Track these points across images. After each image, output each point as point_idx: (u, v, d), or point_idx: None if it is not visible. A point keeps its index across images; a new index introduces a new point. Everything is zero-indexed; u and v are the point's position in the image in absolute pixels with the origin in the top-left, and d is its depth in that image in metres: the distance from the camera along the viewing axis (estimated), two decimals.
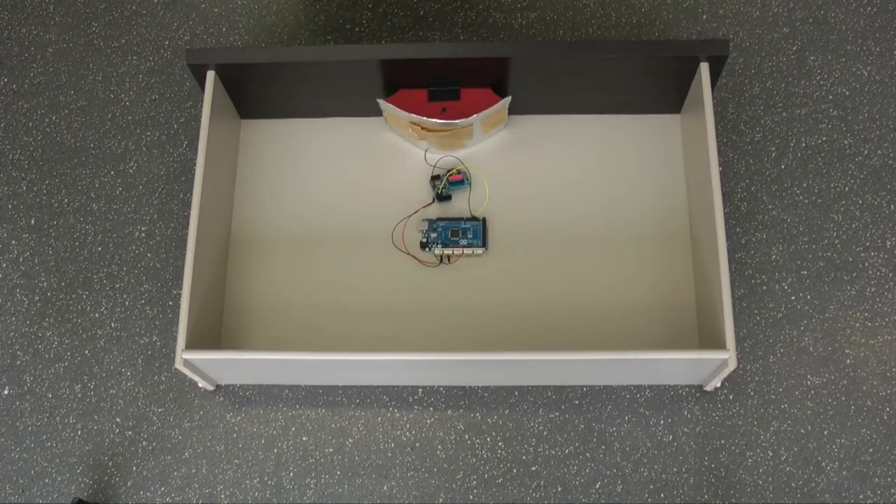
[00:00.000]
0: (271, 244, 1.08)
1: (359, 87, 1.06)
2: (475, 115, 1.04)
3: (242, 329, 1.05)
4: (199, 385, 1.02)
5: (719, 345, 0.92)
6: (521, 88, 1.06)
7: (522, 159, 1.11)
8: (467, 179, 1.09)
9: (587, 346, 1.02)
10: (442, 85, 1.06)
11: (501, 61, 1.01)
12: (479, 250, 1.06)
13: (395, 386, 1.04)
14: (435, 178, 1.09)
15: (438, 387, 1.04)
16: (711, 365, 0.94)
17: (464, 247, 1.06)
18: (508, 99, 1.06)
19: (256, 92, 1.08)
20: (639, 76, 1.04)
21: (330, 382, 1.04)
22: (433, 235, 1.07)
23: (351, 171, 1.11)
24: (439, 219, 1.07)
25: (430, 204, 1.09)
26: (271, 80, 1.05)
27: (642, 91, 1.07)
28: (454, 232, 1.06)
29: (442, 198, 1.08)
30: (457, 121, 1.04)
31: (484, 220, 1.07)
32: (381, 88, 1.07)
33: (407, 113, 1.05)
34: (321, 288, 1.06)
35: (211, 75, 1.03)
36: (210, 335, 1.01)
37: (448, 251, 1.06)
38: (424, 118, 1.04)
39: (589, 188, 1.09)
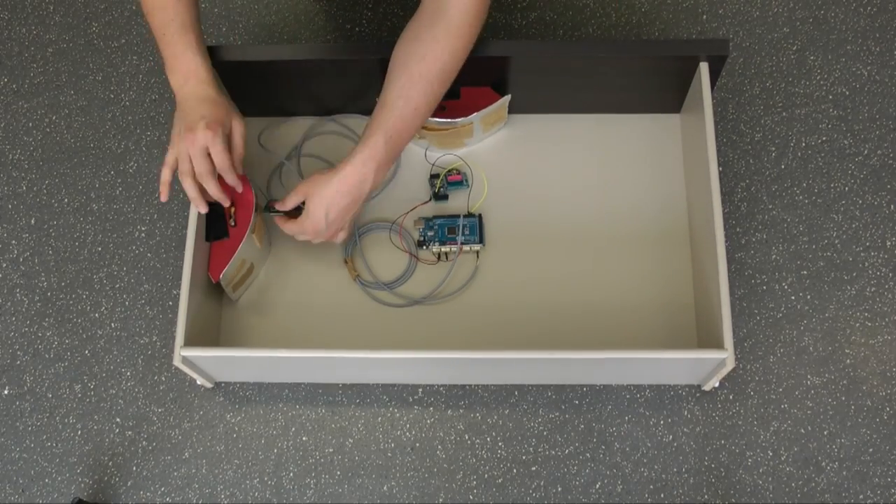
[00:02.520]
0: (269, 241, 1.09)
1: (359, 86, 1.06)
2: (475, 114, 1.04)
3: (241, 326, 1.05)
4: (198, 382, 1.02)
5: (717, 344, 0.92)
6: (521, 87, 1.06)
7: (522, 158, 1.11)
8: (466, 181, 1.09)
9: (585, 346, 1.02)
10: None
11: (501, 60, 1.01)
12: (477, 246, 1.06)
13: (395, 386, 1.04)
14: (434, 176, 1.09)
15: (438, 387, 1.04)
16: (710, 365, 0.94)
17: (461, 244, 1.06)
18: (508, 97, 1.06)
19: (257, 89, 1.08)
20: (638, 76, 1.04)
21: (328, 380, 1.04)
22: (430, 234, 1.07)
23: None
24: (435, 217, 1.07)
25: (426, 202, 1.09)
26: (272, 77, 1.05)
27: (642, 90, 1.07)
28: (451, 229, 1.07)
29: (439, 197, 1.08)
30: (456, 119, 1.04)
31: (480, 216, 1.07)
32: (382, 87, 1.07)
33: None
34: (319, 284, 1.07)
35: None
36: (209, 332, 1.01)
37: (446, 248, 1.06)
38: None
39: (588, 187, 1.09)
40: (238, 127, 0.95)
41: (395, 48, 0.94)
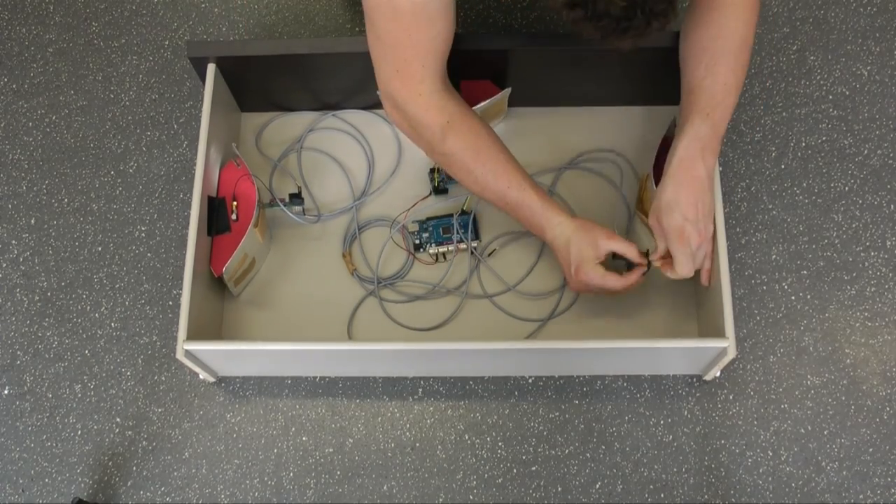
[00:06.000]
0: (270, 235, 1.09)
1: (359, 80, 1.07)
2: (475, 107, 1.04)
3: (242, 320, 1.05)
4: (200, 377, 1.02)
5: (719, 333, 0.93)
6: (521, 80, 1.06)
7: (522, 150, 1.11)
8: None
9: (589, 336, 1.02)
10: None
11: (501, 53, 1.01)
12: (474, 243, 1.06)
13: (395, 386, 1.04)
14: (433, 170, 1.09)
15: (438, 387, 1.04)
16: (711, 353, 0.94)
17: (458, 242, 1.06)
18: (508, 90, 1.06)
19: (257, 85, 1.08)
20: (638, 67, 1.04)
21: (329, 373, 1.04)
22: (425, 235, 1.07)
23: (352, 164, 1.12)
24: (429, 218, 1.08)
25: (426, 197, 1.09)
26: (272, 72, 1.05)
27: (642, 82, 1.07)
28: (445, 229, 1.07)
29: (439, 191, 1.09)
30: None
31: (473, 213, 1.07)
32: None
33: None
34: (320, 279, 1.07)
35: (212, 68, 1.03)
36: (211, 326, 1.02)
37: (443, 249, 1.06)
38: None
39: (588, 179, 1.09)
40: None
41: (682, 44, 0.94)
